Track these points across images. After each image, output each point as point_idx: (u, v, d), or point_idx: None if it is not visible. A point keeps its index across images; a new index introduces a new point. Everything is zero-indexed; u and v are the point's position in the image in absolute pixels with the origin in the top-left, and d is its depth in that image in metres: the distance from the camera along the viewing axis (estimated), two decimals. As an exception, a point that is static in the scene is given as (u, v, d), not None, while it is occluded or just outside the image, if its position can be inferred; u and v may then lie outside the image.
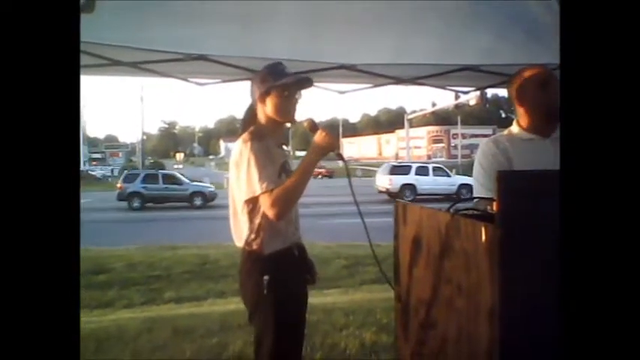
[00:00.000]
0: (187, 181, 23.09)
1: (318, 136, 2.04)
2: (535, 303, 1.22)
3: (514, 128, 2.13)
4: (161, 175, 23.39)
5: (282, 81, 2.11)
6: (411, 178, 23.37)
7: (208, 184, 24.08)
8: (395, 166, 25.36)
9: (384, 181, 23.86)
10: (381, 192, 23.55)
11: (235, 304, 5.30)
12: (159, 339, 4.22)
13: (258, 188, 1.98)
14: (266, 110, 2.15)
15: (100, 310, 6.21)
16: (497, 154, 2.05)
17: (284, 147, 2.29)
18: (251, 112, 2.22)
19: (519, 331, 1.22)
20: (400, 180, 23.23)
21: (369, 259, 2.07)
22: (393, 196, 22.22)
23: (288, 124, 2.29)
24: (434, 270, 1.56)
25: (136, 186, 21.83)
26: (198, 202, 21.84)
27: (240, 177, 2.04)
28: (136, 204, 21.34)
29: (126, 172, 24.76)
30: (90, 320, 5.15)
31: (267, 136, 2.12)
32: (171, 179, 23.10)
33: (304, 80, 2.22)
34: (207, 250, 9.73)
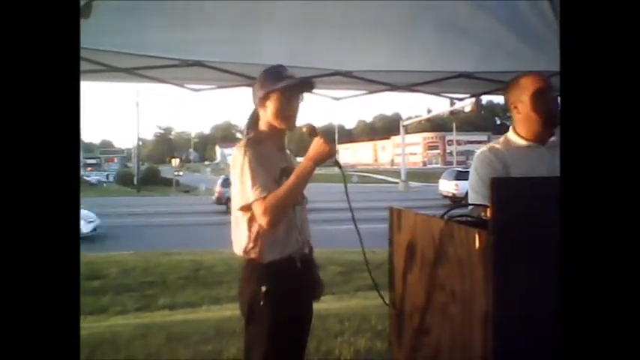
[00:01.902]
0: None
1: (316, 144, 1.96)
2: (528, 309, 1.23)
3: (510, 135, 2.13)
4: None
5: (281, 84, 2.01)
6: None
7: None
8: (460, 172, 25.17)
9: (450, 186, 23.91)
10: (445, 197, 23.70)
11: (230, 311, 5.28)
12: (152, 345, 4.20)
13: (251, 195, 1.92)
14: (266, 116, 2.08)
15: (94, 317, 6.17)
16: (493, 162, 2.05)
17: (287, 151, 2.20)
18: (253, 117, 2.15)
19: (513, 338, 1.23)
20: (467, 185, 23.22)
21: (365, 265, 2.05)
22: (457, 201, 22.26)
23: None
24: (428, 276, 1.56)
25: None
26: None
27: (236, 184, 2.00)
28: None
29: (223, 177, 24.50)
30: (83, 326, 5.11)
31: (266, 141, 2.07)
32: None
33: (305, 83, 2.12)
34: (202, 256, 9.69)
